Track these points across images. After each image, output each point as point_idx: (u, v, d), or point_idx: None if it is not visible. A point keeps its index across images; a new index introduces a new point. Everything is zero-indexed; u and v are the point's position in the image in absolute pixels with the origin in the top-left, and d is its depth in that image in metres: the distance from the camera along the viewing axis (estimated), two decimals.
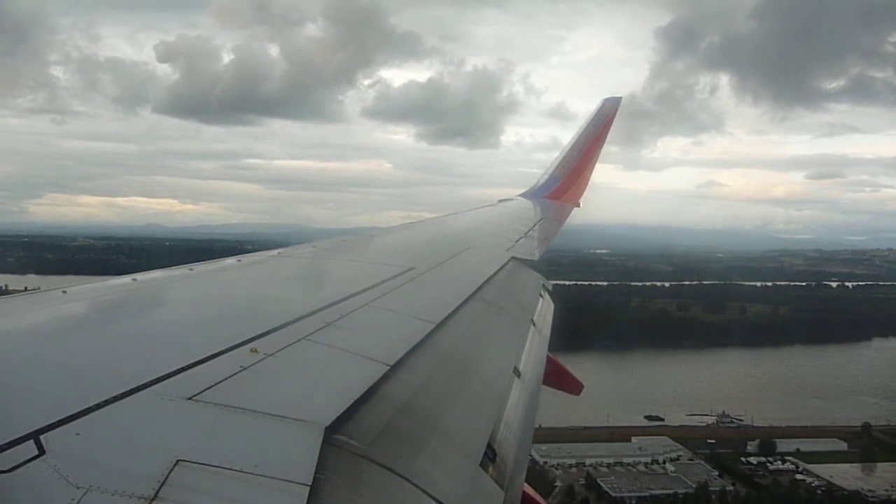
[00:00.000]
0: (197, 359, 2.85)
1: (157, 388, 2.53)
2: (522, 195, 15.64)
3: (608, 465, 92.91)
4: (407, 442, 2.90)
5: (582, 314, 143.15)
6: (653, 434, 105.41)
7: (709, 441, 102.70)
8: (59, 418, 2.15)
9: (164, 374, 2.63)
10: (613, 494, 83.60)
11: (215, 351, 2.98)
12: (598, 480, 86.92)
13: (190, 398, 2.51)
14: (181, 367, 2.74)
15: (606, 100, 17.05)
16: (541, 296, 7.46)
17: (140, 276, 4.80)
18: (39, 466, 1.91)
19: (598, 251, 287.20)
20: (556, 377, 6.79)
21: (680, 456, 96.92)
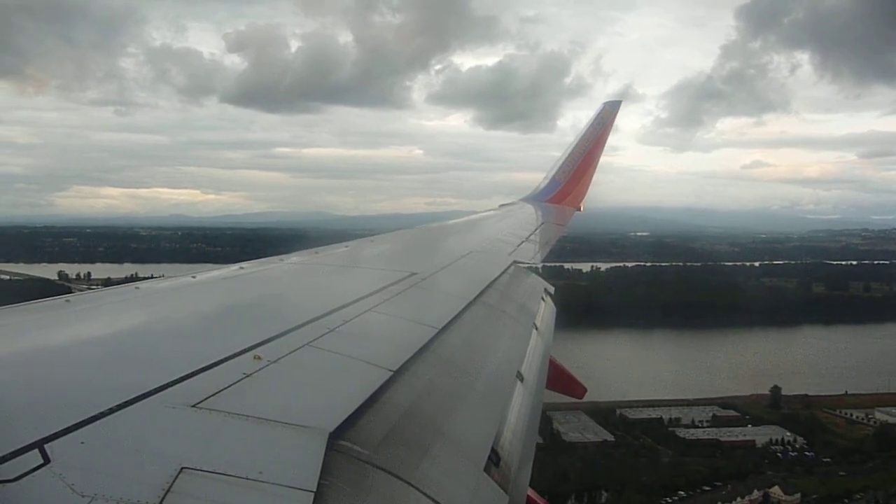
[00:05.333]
0: (200, 366, 2.86)
1: (161, 396, 2.53)
2: (524, 199, 15.66)
3: None
4: (411, 447, 2.90)
5: (720, 294, 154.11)
6: None
7: None
8: (63, 427, 2.15)
9: (167, 381, 2.64)
10: None
11: (218, 358, 2.98)
12: None
13: (194, 406, 2.51)
14: (185, 374, 2.74)
15: (606, 103, 17.09)
16: (543, 299, 7.46)
17: (143, 284, 4.81)
18: (45, 475, 1.91)
19: (639, 233, 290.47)
20: (559, 381, 6.78)
21: None
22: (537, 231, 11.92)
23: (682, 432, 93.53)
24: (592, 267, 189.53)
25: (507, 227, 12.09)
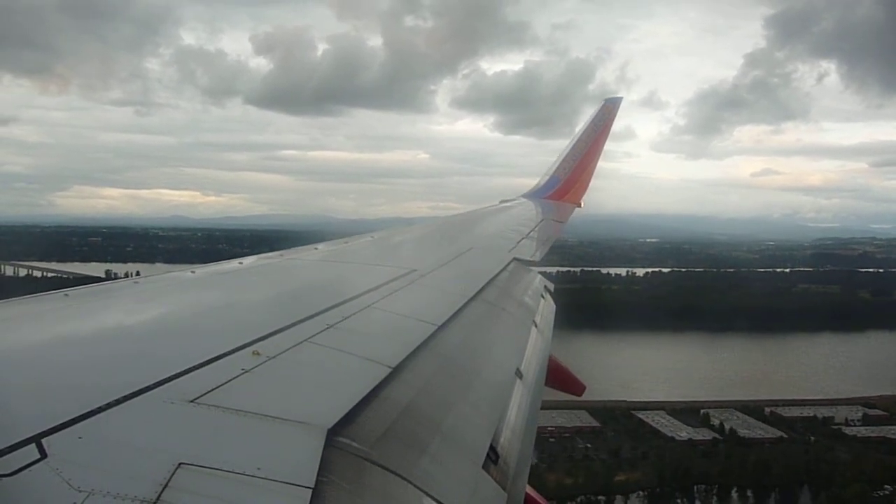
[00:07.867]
0: (199, 361, 2.85)
1: (159, 391, 2.53)
2: (524, 196, 15.64)
3: None
4: (409, 444, 2.89)
5: (773, 299, 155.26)
6: None
7: None
8: (61, 422, 2.15)
9: (166, 376, 2.63)
10: None
11: (217, 354, 2.98)
12: None
13: (192, 401, 2.51)
14: (183, 369, 2.74)
15: (607, 100, 17.03)
16: (542, 297, 7.45)
17: (142, 279, 4.81)
18: (41, 470, 1.91)
19: (649, 240, 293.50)
20: (559, 378, 6.77)
21: None
22: (537, 228, 11.91)
23: (846, 430, 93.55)
24: (628, 272, 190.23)
25: (508, 223, 12.07)
